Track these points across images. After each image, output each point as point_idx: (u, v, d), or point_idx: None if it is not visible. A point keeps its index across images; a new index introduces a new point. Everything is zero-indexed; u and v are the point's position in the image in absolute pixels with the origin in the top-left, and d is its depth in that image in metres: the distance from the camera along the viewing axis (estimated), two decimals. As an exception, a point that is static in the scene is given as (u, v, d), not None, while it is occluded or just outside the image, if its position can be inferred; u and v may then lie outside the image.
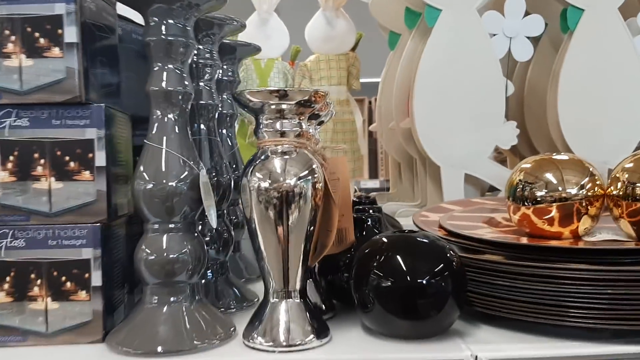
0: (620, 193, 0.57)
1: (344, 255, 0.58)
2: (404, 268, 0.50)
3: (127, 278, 0.58)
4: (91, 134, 0.51)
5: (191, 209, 0.52)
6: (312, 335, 0.49)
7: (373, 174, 2.91)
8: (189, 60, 0.53)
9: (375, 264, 0.51)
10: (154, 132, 0.51)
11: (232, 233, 0.65)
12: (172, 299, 0.51)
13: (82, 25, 0.51)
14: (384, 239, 0.53)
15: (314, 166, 0.51)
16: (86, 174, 0.51)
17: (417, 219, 0.69)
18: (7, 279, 0.51)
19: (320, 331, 0.50)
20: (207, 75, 0.62)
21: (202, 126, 0.62)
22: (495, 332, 0.52)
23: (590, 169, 0.59)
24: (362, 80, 1.47)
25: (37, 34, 0.51)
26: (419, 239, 0.53)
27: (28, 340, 0.51)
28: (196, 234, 0.53)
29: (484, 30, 0.95)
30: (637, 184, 0.55)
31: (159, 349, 0.48)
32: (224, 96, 0.71)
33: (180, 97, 0.52)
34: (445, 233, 0.61)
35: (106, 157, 0.52)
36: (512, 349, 0.48)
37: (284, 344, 0.49)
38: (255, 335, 0.50)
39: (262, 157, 0.50)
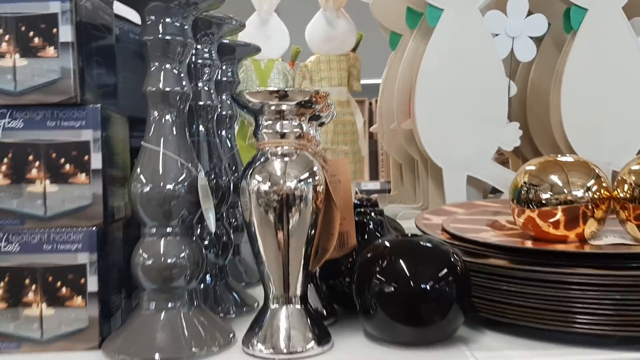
0: (627, 195, 0.56)
1: (345, 260, 0.57)
2: (407, 273, 0.49)
3: (124, 283, 0.57)
4: (87, 136, 0.50)
5: (189, 212, 0.51)
6: (313, 342, 0.48)
7: (373, 176, 2.92)
8: (187, 60, 0.52)
9: (377, 268, 0.50)
10: (151, 133, 0.50)
11: (232, 236, 0.64)
12: (169, 304, 0.50)
13: (77, 25, 0.50)
14: (387, 243, 0.52)
15: (314, 168, 0.50)
16: (82, 177, 0.50)
17: (419, 222, 0.68)
18: (1, 284, 0.50)
19: (322, 338, 0.49)
20: (206, 75, 0.61)
21: (200, 127, 0.61)
22: (500, 339, 0.51)
23: (596, 171, 0.58)
24: (362, 81, 1.46)
25: (31, 33, 0.50)
26: (422, 243, 0.51)
27: (23, 347, 0.50)
28: (194, 238, 0.52)
29: (486, 30, 0.94)
30: (645, 187, 0.54)
31: (157, 356, 0.47)
32: (223, 97, 0.70)
33: (178, 97, 0.51)
34: (448, 236, 0.60)
35: (102, 159, 0.51)
36: (517, 356, 0.47)
37: (285, 351, 0.48)
38: (255, 342, 0.49)
39: (262, 159, 0.49)
